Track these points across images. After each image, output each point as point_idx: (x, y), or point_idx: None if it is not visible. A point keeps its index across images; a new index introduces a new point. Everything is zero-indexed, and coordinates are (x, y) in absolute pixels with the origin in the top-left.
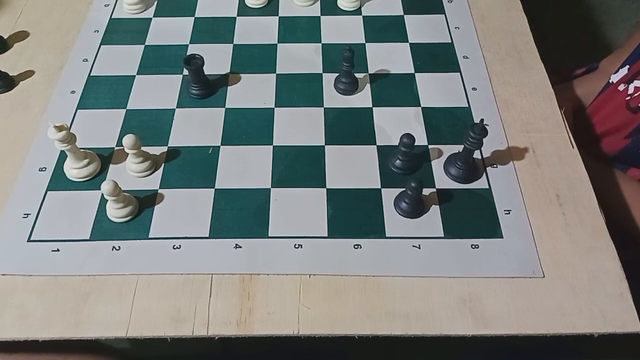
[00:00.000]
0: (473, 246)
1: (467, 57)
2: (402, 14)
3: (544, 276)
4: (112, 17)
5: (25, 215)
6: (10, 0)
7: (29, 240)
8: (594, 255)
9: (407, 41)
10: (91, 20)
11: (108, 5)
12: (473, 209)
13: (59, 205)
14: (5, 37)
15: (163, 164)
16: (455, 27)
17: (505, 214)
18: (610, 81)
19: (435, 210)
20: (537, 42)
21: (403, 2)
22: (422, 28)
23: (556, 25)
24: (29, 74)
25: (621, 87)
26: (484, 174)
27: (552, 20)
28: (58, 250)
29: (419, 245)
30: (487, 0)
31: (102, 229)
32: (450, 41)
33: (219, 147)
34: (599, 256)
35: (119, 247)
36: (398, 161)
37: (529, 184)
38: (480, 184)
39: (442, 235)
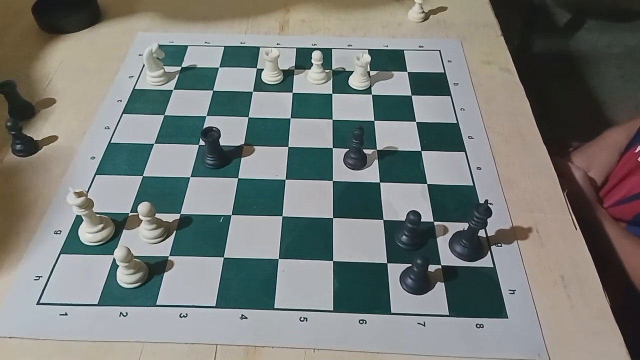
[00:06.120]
0: (478, 325)
1: (472, 137)
2: (410, 94)
3: (549, 359)
4: (136, 87)
5: (37, 278)
6: (41, 68)
7: (38, 303)
8: (600, 339)
9: (415, 120)
10: (115, 89)
11: (132, 76)
12: (478, 288)
13: (70, 268)
14: (34, 103)
15: (175, 231)
16: (461, 109)
17: (510, 293)
18: (637, 151)
19: (440, 288)
20: (540, 119)
21: (411, 83)
22: (429, 108)
23: (559, 104)
24: (52, 138)
25: None
26: (489, 253)
27: (556, 99)
28: (66, 314)
29: (424, 322)
30: (492, 84)
31: (111, 294)
32: (455, 121)
33: (230, 216)
34: (606, 341)
35: (126, 313)
36: (404, 237)
37: (533, 264)
38: (485, 262)
39: (447, 313)
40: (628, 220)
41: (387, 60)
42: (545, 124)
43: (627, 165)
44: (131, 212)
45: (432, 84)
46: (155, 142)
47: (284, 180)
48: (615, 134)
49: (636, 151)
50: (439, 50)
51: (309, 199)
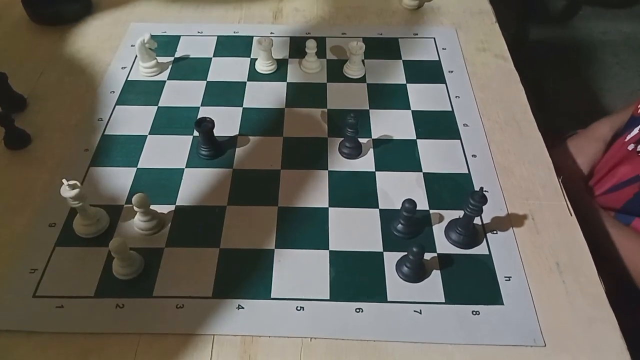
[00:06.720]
0: (474, 312)
1: (467, 125)
2: (405, 82)
3: (545, 345)
4: (128, 79)
5: (32, 271)
6: (33, 60)
7: (34, 296)
8: (595, 325)
9: (410, 108)
10: (108, 81)
11: (125, 67)
12: (474, 275)
13: (66, 261)
14: (26, 95)
15: (170, 223)
16: (456, 96)
17: (506, 280)
18: (626, 140)
19: (436, 275)
20: (537, 110)
21: (406, 71)
22: (423, 96)
23: (557, 93)
24: (45, 131)
25: (630, 147)
26: (485, 240)
27: (552, 89)
28: (62, 306)
29: (420, 310)
30: (486, 72)
31: (107, 286)
32: (450, 109)
33: (225, 206)
34: (601, 327)
35: (123, 304)
36: (400, 225)
37: (528, 251)
38: (480, 249)
39: (443, 301)
40: (617, 208)
41: (381, 49)
42: (542, 117)
43: (617, 154)
44: (126, 203)
45: (427, 71)
46: (149, 134)
47: (279, 170)
48: (600, 126)
49: (626, 140)
50: (434, 38)
51: (304, 189)
